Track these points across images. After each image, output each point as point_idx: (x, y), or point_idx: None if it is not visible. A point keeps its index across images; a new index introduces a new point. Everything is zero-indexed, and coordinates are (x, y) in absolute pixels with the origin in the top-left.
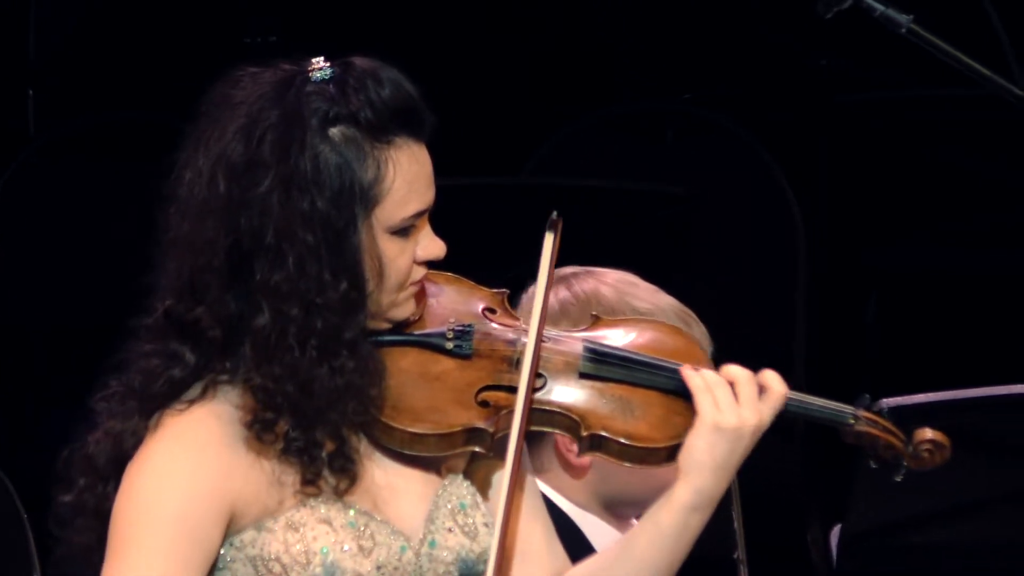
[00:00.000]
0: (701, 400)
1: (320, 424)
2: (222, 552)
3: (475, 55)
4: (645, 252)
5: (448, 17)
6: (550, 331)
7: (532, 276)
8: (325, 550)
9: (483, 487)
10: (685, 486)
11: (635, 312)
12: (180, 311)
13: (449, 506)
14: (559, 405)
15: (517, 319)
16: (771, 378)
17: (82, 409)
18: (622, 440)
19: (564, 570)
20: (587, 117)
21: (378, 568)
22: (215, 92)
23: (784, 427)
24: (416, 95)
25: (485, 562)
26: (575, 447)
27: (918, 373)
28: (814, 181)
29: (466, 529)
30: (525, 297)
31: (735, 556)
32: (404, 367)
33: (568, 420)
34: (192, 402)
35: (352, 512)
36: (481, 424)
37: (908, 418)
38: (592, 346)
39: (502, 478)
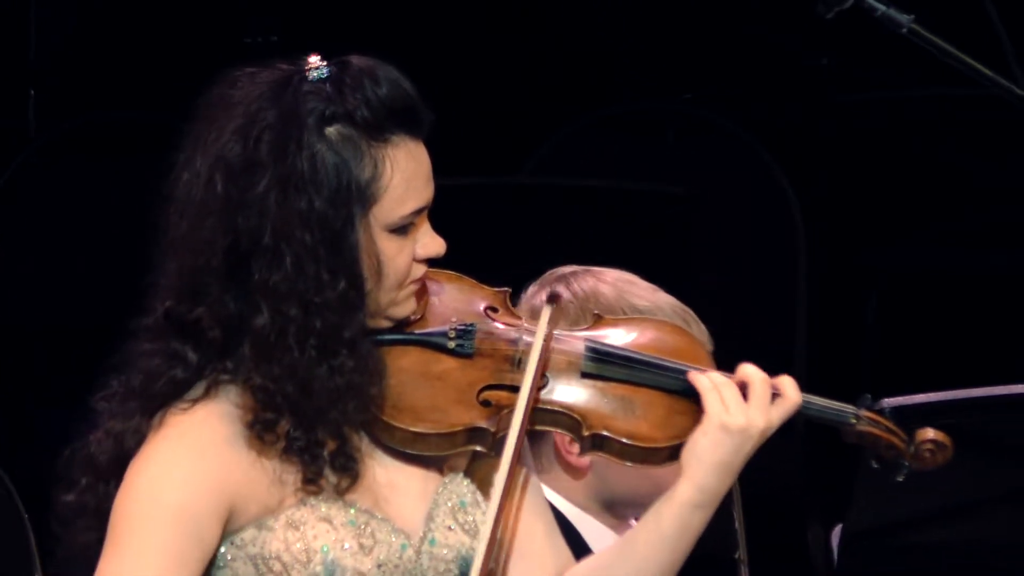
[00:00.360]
0: (709, 399)
1: (321, 423)
2: (222, 551)
3: (474, 55)
4: (645, 252)
5: (448, 17)
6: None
7: (532, 276)
8: (326, 548)
9: (484, 486)
10: (688, 483)
11: (634, 310)
12: (180, 311)
13: (449, 504)
14: (561, 405)
15: (519, 318)
16: (787, 385)
17: (82, 409)
18: (624, 440)
19: (567, 567)
20: (587, 117)
21: (379, 566)
22: (213, 93)
23: (785, 427)
24: (413, 93)
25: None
26: (576, 447)
27: (918, 373)
28: (814, 181)
29: (466, 527)
30: (525, 297)
31: (736, 556)
32: (406, 366)
33: (570, 420)
34: (195, 401)
35: (353, 510)
36: (483, 423)
37: (910, 418)
38: (594, 346)
39: (502, 476)
